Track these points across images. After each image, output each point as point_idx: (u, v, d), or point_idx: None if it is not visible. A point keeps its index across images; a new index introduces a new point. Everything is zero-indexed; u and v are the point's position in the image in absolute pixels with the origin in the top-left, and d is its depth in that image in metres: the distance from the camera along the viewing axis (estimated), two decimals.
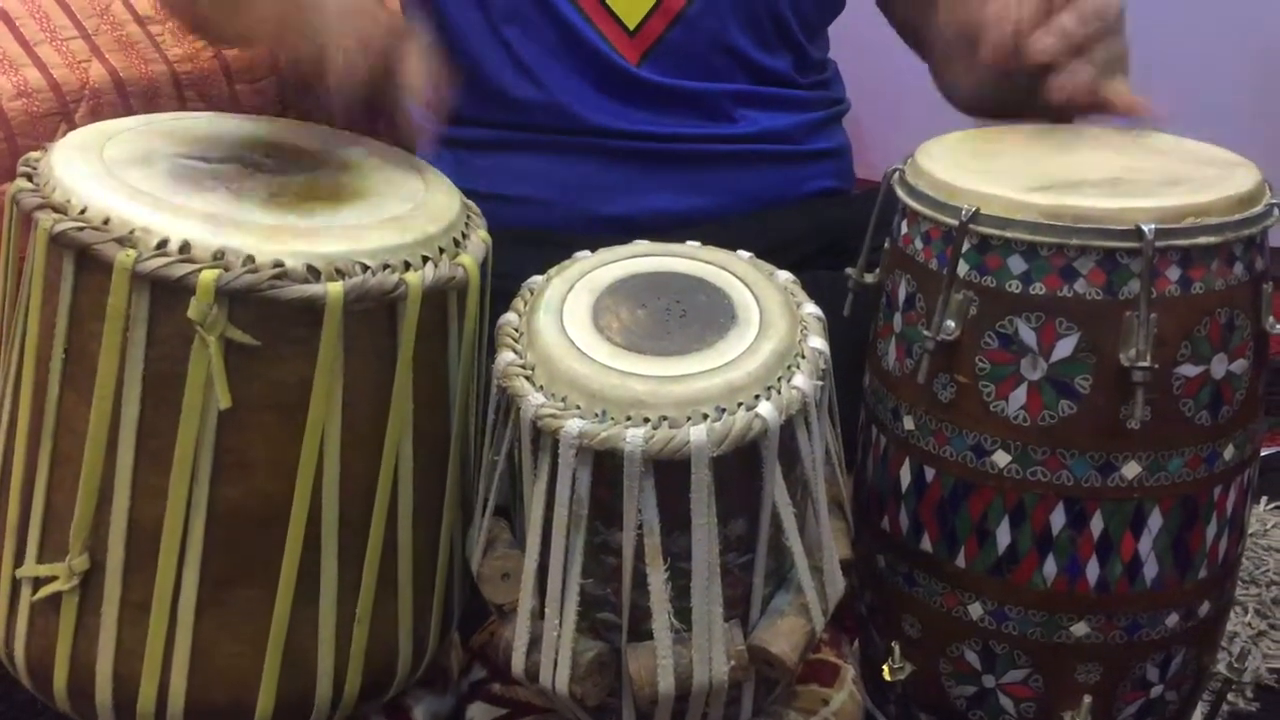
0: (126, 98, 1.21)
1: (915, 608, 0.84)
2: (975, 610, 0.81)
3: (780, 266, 0.81)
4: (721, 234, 0.91)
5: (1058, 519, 0.77)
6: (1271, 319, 0.78)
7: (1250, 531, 1.19)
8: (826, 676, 0.91)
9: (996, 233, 0.75)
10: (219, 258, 0.70)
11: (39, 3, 1.22)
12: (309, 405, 0.73)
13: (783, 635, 0.77)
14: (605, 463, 0.71)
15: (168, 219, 0.71)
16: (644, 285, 0.78)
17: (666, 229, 0.98)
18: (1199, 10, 1.74)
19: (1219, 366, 0.76)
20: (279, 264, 0.70)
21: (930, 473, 0.80)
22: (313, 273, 0.71)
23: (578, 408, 0.71)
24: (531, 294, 0.79)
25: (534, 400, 0.72)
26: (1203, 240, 0.74)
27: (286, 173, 0.78)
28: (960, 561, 0.80)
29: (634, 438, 0.69)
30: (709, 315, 0.76)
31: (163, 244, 0.70)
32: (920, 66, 1.20)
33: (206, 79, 1.22)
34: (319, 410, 0.73)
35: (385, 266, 0.73)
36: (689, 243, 0.82)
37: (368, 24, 0.80)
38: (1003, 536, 0.79)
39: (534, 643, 0.76)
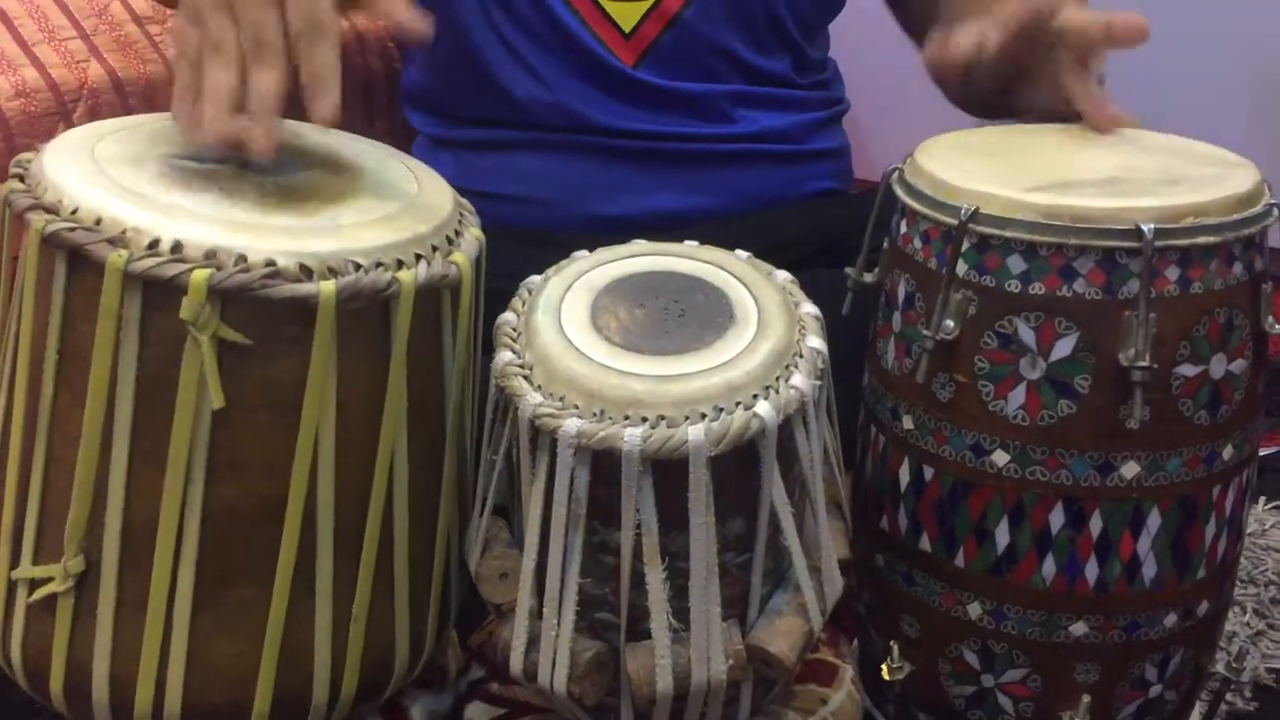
0: (125, 98, 1.21)
1: (914, 607, 0.84)
2: (974, 610, 0.81)
3: (779, 266, 0.81)
4: (720, 233, 0.91)
5: (1057, 519, 0.77)
6: (1271, 319, 0.78)
7: (1249, 531, 1.19)
8: (825, 676, 0.91)
9: (996, 232, 0.75)
10: (211, 257, 0.70)
11: (37, 3, 1.22)
12: (302, 404, 0.73)
13: (781, 635, 0.77)
14: (603, 462, 0.71)
15: (159, 219, 0.71)
16: (642, 285, 0.78)
17: (666, 229, 0.98)
18: (1199, 10, 1.74)
19: (1218, 366, 0.76)
20: (271, 263, 0.70)
21: (929, 472, 0.80)
22: (305, 271, 0.71)
23: (576, 407, 0.71)
24: (529, 293, 0.79)
25: (532, 400, 0.72)
26: (1202, 240, 0.74)
27: (278, 172, 0.78)
28: (959, 561, 0.80)
29: (632, 437, 0.69)
30: (707, 315, 0.76)
31: (154, 244, 0.70)
32: (920, 66, 1.20)
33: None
34: (313, 409, 0.73)
35: (378, 265, 0.73)
36: (687, 242, 0.82)
37: None
38: (1001, 536, 0.79)
39: (532, 642, 0.76)
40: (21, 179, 0.75)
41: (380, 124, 1.40)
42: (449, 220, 0.79)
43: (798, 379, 0.73)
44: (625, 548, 0.72)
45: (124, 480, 0.73)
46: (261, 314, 0.71)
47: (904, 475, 0.82)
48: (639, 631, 0.75)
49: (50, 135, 1.07)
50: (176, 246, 0.70)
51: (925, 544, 0.82)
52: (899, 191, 0.82)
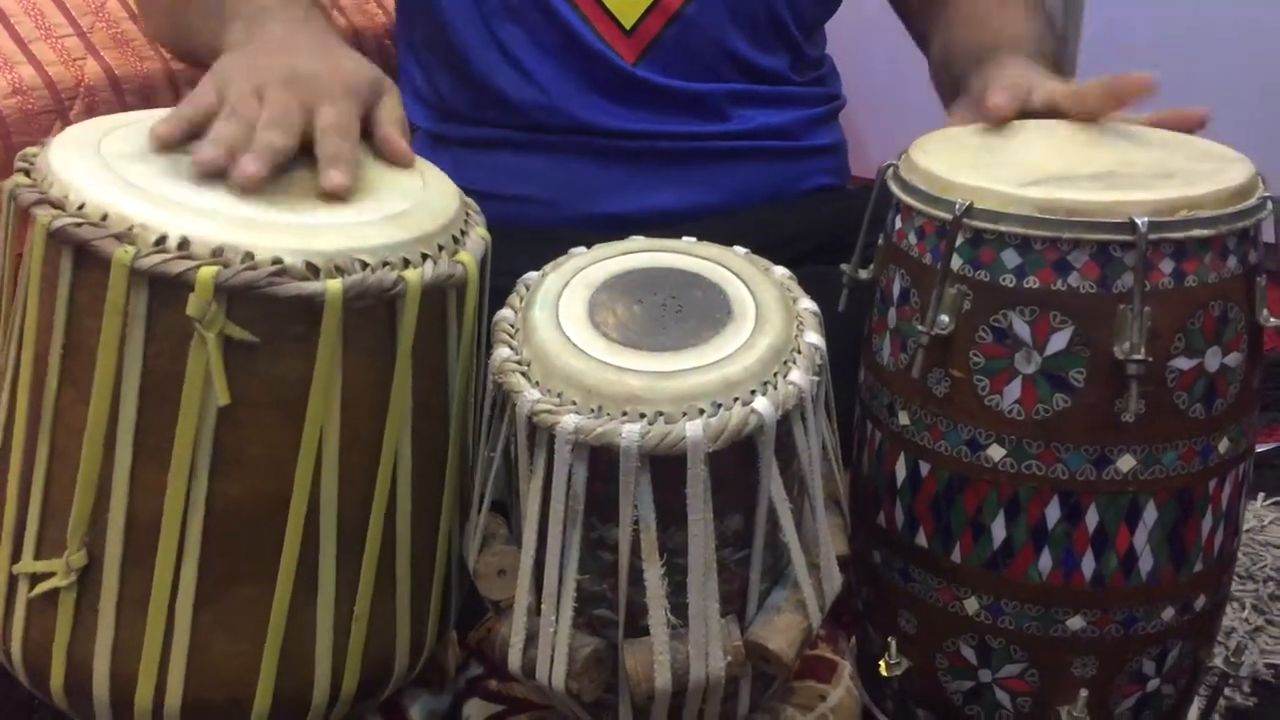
0: (122, 95, 1.21)
1: (911, 603, 0.84)
2: (971, 605, 0.81)
3: (777, 262, 0.82)
4: (718, 230, 0.91)
5: (1053, 513, 0.77)
6: (1266, 312, 0.78)
7: (1247, 527, 1.19)
8: (823, 672, 0.91)
9: (990, 227, 0.75)
10: (218, 254, 0.70)
11: (34, 0, 1.23)
12: (308, 402, 0.73)
13: (780, 631, 0.77)
14: (601, 458, 0.71)
15: (166, 215, 0.71)
16: (640, 281, 0.78)
17: (665, 226, 0.98)
18: (1199, 10, 1.74)
19: (1213, 359, 0.76)
20: (278, 261, 0.70)
21: (925, 467, 0.81)
22: (312, 270, 0.71)
23: (573, 403, 0.71)
24: (527, 290, 0.79)
25: (529, 396, 0.72)
26: (1196, 233, 0.74)
27: (286, 169, 0.78)
28: (956, 556, 0.80)
29: (630, 433, 0.70)
30: (705, 311, 0.76)
31: (161, 240, 0.70)
32: (915, 63, 1.20)
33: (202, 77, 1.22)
34: (318, 407, 0.73)
35: (384, 264, 0.73)
36: (685, 238, 0.82)
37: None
38: (998, 531, 0.79)
39: (530, 639, 0.76)
40: (27, 173, 0.75)
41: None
42: (455, 219, 0.79)
43: (796, 375, 0.73)
44: (623, 544, 0.73)
45: (128, 476, 0.73)
46: (268, 312, 0.71)
47: (900, 471, 0.82)
48: (637, 628, 0.75)
49: (47, 133, 1.08)
50: (183, 243, 0.70)
51: (922, 539, 0.82)
52: (894, 187, 0.82)
